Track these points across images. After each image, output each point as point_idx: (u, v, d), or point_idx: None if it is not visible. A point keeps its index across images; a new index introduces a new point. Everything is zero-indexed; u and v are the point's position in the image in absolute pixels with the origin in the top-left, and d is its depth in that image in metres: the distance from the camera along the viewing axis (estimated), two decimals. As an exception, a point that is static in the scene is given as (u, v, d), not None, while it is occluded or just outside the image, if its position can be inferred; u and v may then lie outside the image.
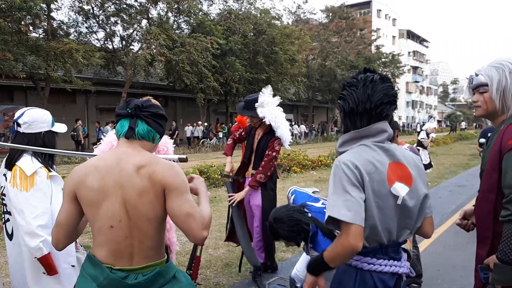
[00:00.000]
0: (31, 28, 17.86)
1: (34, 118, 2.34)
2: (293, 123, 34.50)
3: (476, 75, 1.84)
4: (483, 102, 1.83)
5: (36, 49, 17.37)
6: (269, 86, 4.10)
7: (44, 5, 17.76)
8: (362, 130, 1.66)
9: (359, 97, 1.64)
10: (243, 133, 4.29)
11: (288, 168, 11.93)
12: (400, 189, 1.59)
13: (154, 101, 1.88)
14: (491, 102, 1.79)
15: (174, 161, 2.01)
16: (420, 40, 73.65)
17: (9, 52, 15.71)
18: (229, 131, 24.28)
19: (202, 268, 4.41)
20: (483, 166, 1.83)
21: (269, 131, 4.03)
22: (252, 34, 27.21)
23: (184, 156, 2.04)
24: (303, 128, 35.23)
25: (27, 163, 2.29)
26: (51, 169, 2.38)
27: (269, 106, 3.92)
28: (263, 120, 3.94)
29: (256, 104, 3.93)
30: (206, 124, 27.81)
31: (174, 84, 24.56)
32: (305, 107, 40.36)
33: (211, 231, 1.86)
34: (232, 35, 25.70)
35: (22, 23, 16.81)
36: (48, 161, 2.39)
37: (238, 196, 3.96)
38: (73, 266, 2.36)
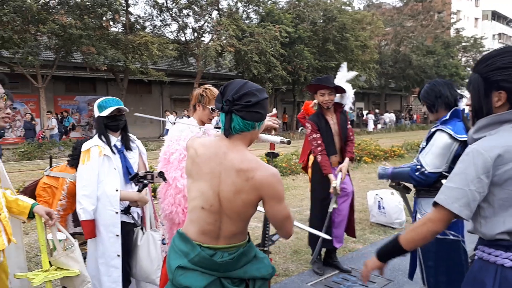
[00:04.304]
0: (111, 23, 19.02)
1: (94, 108, 2.77)
2: (364, 111, 33.43)
3: None
4: None
5: (116, 42, 18.47)
6: (345, 63, 3.98)
7: (123, 1, 18.79)
8: (506, 113, 1.47)
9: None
10: (315, 134, 3.93)
11: (358, 158, 11.51)
12: None
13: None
14: None
15: (278, 142, 2.03)
16: (508, 21, 67.17)
17: (92, 47, 16.87)
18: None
19: (271, 254, 4.38)
20: None
21: (342, 110, 3.93)
22: (321, 21, 26.59)
23: (286, 140, 1.98)
24: (392, 116, 34.09)
25: (88, 141, 2.65)
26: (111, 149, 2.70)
27: (345, 82, 3.82)
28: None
29: (335, 80, 3.82)
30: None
31: (242, 74, 24.83)
32: (377, 95, 38.76)
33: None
34: (301, 23, 25.31)
35: (104, 18, 17.95)
36: (106, 142, 2.69)
37: (338, 184, 3.77)
38: (117, 235, 2.62)
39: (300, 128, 24.64)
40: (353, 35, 26.40)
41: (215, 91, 2.82)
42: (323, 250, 4.11)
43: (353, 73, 3.95)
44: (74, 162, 2.99)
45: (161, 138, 19.09)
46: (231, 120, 1.63)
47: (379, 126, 32.07)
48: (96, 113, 2.72)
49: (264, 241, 2.17)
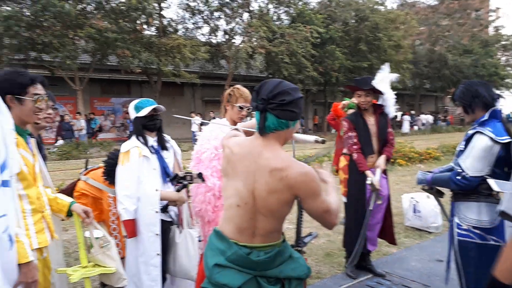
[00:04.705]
0: (145, 26, 19.46)
1: (129, 110, 2.85)
2: (397, 112, 32.59)
3: None
4: None
5: (150, 45, 18.88)
6: (387, 63, 3.90)
7: (156, 4, 19.18)
8: None
9: None
10: (351, 132, 3.85)
11: (392, 160, 11.23)
12: None
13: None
14: None
15: (313, 141, 2.00)
16: (551, 17, 64.04)
17: (127, 50, 17.33)
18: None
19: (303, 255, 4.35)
20: None
21: (382, 111, 3.86)
22: (353, 21, 26.26)
23: (321, 139, 1.97)
24: (429, 117, 33.35)
25: (127, 143, 2.68)
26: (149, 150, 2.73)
27: (386, 84, 3.73)
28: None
29: (373, 81, 3.76)
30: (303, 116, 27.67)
31: (273, 75, 24.81)
32: (411, 96, 37.79)
33: (311, 220, 1.84)
34: (333, 23, 25.07)
35: (138, 22, 18.38)
36: (145, 143, 2.73)
37: (377, 182, 3.68)
38: (157, 234, 2.65)
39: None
40: (386, 35, 25.91)
41: (243, 89, 2.89)
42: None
43: (394, 75, 3.86)
44: (110, 179, 3.00)
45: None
46: (266, 119, 1.64)
47: (415, 127, 31.26)
48: (133, 115, 2.77)
49: (298, 241, 2.15)
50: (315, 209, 1.65)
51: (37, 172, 2.07)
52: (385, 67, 3.88)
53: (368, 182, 3.66)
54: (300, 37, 21.88)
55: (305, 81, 23.81)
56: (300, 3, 25.20)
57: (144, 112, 2.74)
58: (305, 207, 1.67)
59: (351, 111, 4.78)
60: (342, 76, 25.16)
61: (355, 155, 3.78)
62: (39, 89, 2.05)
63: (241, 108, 2.82)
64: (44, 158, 2.78)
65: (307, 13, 24.14)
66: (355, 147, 3.78)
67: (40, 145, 2.56)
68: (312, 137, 2.05)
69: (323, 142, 2.02)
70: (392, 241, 4.08)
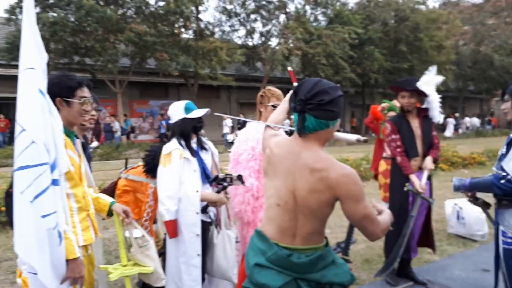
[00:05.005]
0: (182, 30, 19.82)
1: (171, 112, 2.85)
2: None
3: None
4: None
5: (187, 49, 19.22)
6: (435, 66, 3.78)
7: (193, 8, 19.52)
8: None
9: None
10: (394, 135, 3.74)
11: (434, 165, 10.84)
12: None
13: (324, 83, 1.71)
14: None
15: (354, 140, 1.99)
16: None
17: (165, 53, 17.72)
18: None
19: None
20: None
21: (426, 115, 3.75)
22: (393, 22, 25.69)
23: (363, 138, 1.94)
24: (475, 120, 32.30)
25: (168, 145, 2.72)
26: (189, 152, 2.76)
27: (431, 86, 3.62)
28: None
29: (418, 82, 3.65)
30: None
31: (309, 77, 24.59)
32: (454, 98, 36.44)
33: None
34: (371, 24, 24.63)
35: (176, 25, 18.77)
36: (186, 145, 2.76)
37: (421, 185, 3.56)
38: (197, 235, 2.68)
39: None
40: (427, 35, 25.17)
41: (274, 89, 2.93)
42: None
43: (439, 77, 3.72)
44: (149, 170, 3.07)
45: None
46: (304, 120, 1.62)
47: (460, 131, 30.09)
48: (181, 115, 2.79)
49: (345, 248, 2.11)
50: (354, 212, 1.60)
51: (83, 172, 2.14)
52: (431, 69, 3.75)
53: (406, 188, 3.52)
54: (337, 38, 21.63)
55: (343, 83, 23.45)
56: (338, 4, 24.94)
57: (196, 114, 2.80)
58: (345, 210, 1.63)
59: (391, 113, 4.65)
60: (381, 78, 24.64)
61: (398, 158, 3.67)
62: (85, 92, 2.13)
63: (274, 107, 2.86)
64: (89, 159, 2.88)
65: (345, 14, 23.84)
66: (398, 149, 3.67)
67: (84, 146, 2.64)
68: (354, 136, 2.00)
69: (365, 141, 1.97)
70: (431, 246, 3.93)
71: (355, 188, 1.58)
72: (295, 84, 2.32)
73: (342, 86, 23.86)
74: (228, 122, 20.24)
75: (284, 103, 2.13)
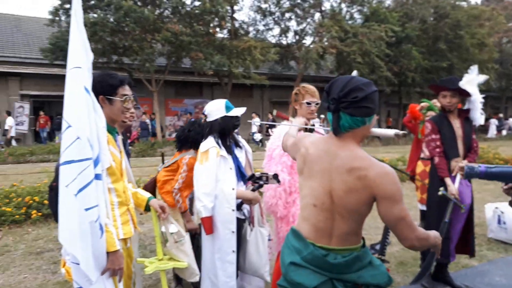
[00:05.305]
0: (217, 29, 20.02)
1: (210, 110, 2.87)
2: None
3: None
4: None
5: (222, 48, 19.41)
6: (476, 66, 3.67)
7: (228, 7, 19.67)
8: None
9: None
10: (434, 134, 3.65)
11: (473, 166, 10.45)
12: None
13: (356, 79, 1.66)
14: None
15: (393, 135, 1.98)
16: None
17: (200, 52, 17.97)
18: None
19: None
20: None
21: (467, 117, 3.66)
22: (432, 19, 24.88)
23: (401, 132, 1.91)
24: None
25: (205, 143, 2.77)
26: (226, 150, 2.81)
27: (473, 86, 3.51)
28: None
29: (461, 82, 3.55)
30: (377, 116, 26.73)
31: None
32: (496, 98, 34.91)
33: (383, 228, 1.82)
34: (409, 21, 23.98)
35: (211, 25, 18.98)
36: (222, 143, 2.80)
37: (455, 190, 3.46)
38: (233, 232, 2.72)
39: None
40: (468, 33, 24.23)
41: (308, 86, 2.96)
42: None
43: (482, 77, 3.60)
44: (182, 143, 3.29)
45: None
46: (339, 119, 1.60)
47: (503, 132, 28.81)
48: (221, 114, 2.84)
49: (383, 249, 2.08)
50: (390, 213, 1.57)
51: (124, 167, 2.22)
52: (474, 69, 3.64)
53: (440, 193, 3.42)
54: (373, 37, 21.20)
55: (378, 82, 22.98)
56: (375, 1, 24.44)
57: (236, 112, 2.86)
58: (380, 211, 1.59)
59: (430, 113, 4.52)
60: (418, 77, 23.96)
61: (436, 159, 3.58)
62: (127, 90, 2.20)
63: (308, 104, 2.89)
64: (128, 155, 2.98)
65: (381, 12, 23.33)
66: (437, 150, 3.58)
67: (124, 142, 2.74)
68: (392, 131, 1.96)
69: (404, 135, 1.94)
70: (470, 251, 3.81)
71: (393, 188, 1.55)
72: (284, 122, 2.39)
73: (377, 85, 23.23)
74: (256, 121, 20.31)
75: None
